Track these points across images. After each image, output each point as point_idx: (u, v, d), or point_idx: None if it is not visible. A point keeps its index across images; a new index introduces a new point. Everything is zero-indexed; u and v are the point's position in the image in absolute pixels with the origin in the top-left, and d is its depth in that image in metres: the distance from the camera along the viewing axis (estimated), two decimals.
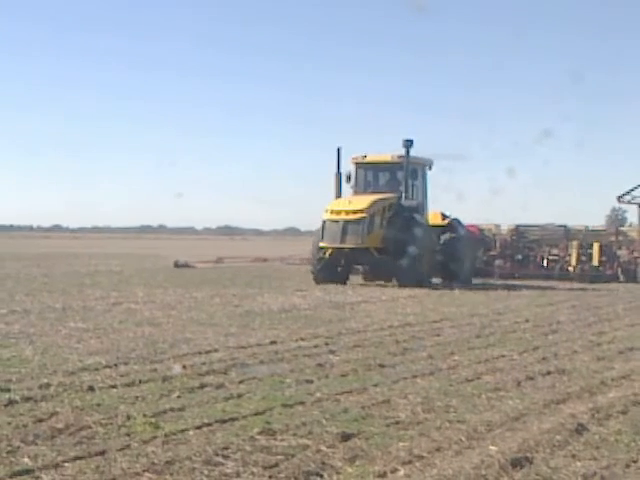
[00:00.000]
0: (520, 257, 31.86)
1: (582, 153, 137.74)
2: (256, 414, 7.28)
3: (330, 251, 24.35)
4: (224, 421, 6.99)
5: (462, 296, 21.58)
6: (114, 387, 8.28)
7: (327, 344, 11.71)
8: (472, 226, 30.23)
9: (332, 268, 24.72)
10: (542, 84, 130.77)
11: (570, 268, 30.37)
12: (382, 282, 25.27)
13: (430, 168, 26.64)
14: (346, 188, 26.20)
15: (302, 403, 7.77)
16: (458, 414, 7.52)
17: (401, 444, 6.43)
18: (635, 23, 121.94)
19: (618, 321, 16.25)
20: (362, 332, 13.25)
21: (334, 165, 26.23)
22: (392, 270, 24.36)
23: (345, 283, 24.73)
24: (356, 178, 26.16)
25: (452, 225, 26.51)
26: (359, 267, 26.45)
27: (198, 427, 6.77)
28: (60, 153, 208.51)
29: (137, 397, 7.85)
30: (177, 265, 33.73)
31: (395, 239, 23.76)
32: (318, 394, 8.18)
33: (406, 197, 25.08)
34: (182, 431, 6.63)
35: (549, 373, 9.78)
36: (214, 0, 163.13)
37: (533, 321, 15.62)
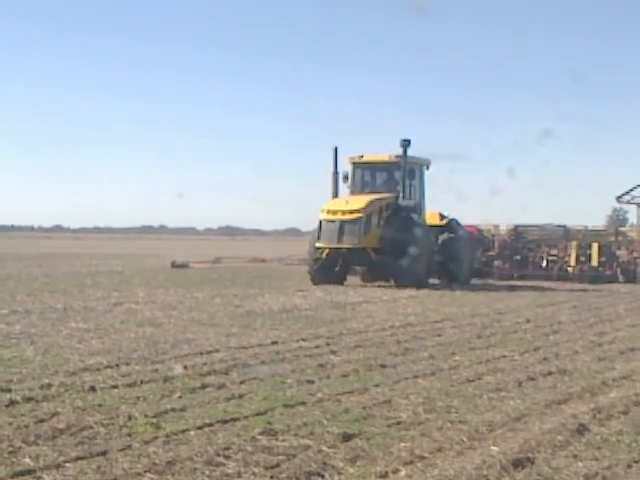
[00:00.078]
0: (519, 257, 31.74)
1: (583, 153, 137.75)
2: (257, 414, 7.28)
3: (327, 251, 24.21)
4: (225, 421, 6.99)
5: (463, 296, 21.58)
6: (115, 387, 8.28)
7: (328, 344, 11.71)
8: (471, 226, 30.10)
9: (329, 268, 24.58)
10: (542, 84, 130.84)
11: (569, 268, 30.29)
12: (380, 282, 25.18)
13: (428, 168, 26.49)
14: (343, 188, 26.11)
15: (303, 403, 7.77)
16: (459, 414, 7.52)
17: (402, 444, 6.43)
18: (635, 23, 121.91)
19: (619, 321, 16.24)
20: (363, 332, 13.25)
21: (332, 165, 26.12)
22: (389, 270, 24.25)
23: (342, 284, 24.59)
24: (353, 178, 25.99)
25: (450, 225, 26.41)
26: (357, 267, 26.33)
27: (199, 427, 6.77)
28: (61, 153, 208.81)
29: (138, 397, 7.85)
30: (174, 265, 33.71)
31: (392, 239, 23.62)
32: (319, 394, 8.18)
33: (403, 197, 24.94)
34: (183, 431, 6.63)
35: (550, 373, 9.77)
36: (214, 0, 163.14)
37: (534, 321, 15.62)
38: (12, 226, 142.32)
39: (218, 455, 6.00)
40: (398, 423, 7.13)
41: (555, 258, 31.27)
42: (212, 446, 6.21)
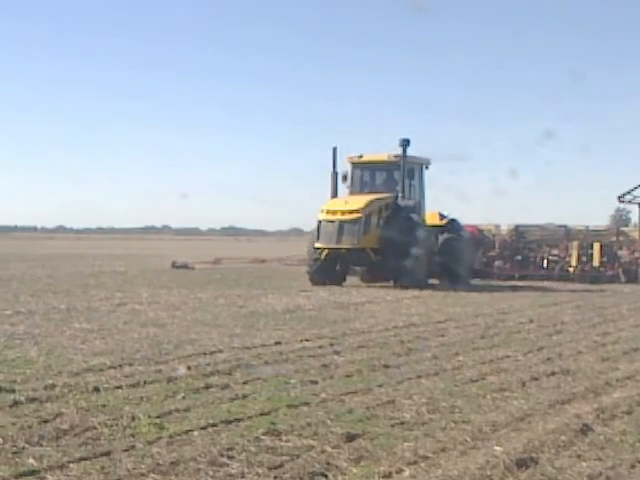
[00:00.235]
0: (520, 258, 31.52)
1: (585, 153, 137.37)
2: (261, 415, 7.29)
3: (326, 252, 24.06)
4: (229, 422, 7.00)
5: (466, 296, 21.56)
6: (119, 388, 8.29)
7: (332, 345, 11.71)
8: (471, 226, 29.98)
9: (328, 269, 24.41)
10: (543, 84, 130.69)
11: (570, 269, 30.09)
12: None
13: (427, 167, 26.31)
14: (343, 188, 25.96)
15: (307, 404, 7.77)
16: (463, 414, 7.51)
17: (406, 444, 6.43)
18: (635, 23, 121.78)
19: (623, 322, 16.22)
20: (367, 333, 13.25)
21: (331, 165, 25.94)
22: (389, 271, 24.11)
23: (341, 284, 24.45)
24: (352, 178, 25.82)
25: (450, 225, 26.21)
26: (357, 268, 26.13)
27: (203, 428, 6.77)
28: (63, 154, 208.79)
29: (142, 398, 7.85)
30: (175, 266, 33.71)
31: (392, 239, 23.43)
32: (323, 395, 8.18)
33: (403, 197, 24.78)
34: (187, 432, 6.64)
35: (554, 373, 9.77)
36: (214, 0, 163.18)
37: (537, 321, 15.60)
38: (15, 227, 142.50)
39: (222, 455, 6.01)
40: (402, 423, 7.13)
41: (556, 258, 31.10)
42: (216, 446, 6.22)
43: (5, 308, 15.58)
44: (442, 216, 26.49)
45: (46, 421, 6.88)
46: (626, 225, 43.71)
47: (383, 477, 5.67)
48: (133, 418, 7.02)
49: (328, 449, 6.25)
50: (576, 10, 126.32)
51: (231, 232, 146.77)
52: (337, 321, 14.85)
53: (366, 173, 26.39)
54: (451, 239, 25.73)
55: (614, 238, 31.64)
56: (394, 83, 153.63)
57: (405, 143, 24.60)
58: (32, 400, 7.62)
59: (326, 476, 5.65)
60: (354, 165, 26.00)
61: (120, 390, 8.21)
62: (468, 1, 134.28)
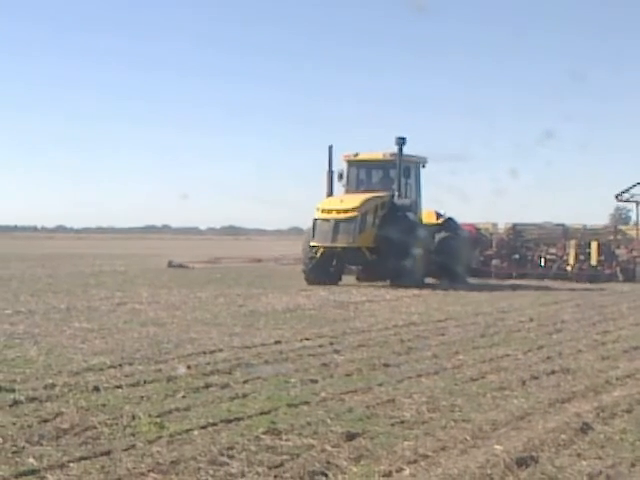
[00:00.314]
0: (517, 256, 31.41)
1: (584, 152, 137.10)
2: (261, 414, 7.29)
3: (322, 250, 23.92)
4: (229, 421, 7.00)
5: (466, 295, 21.56)
6: (119, 387, 8.29)
7: (332, 344, 11.72)
8: (468, 225, 29.91)
9: (324, 268, 24.30)
10: (543, 84, 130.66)
11: (568, 267, 29.98)
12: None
13: (424, 166, 26.16)
14: (338, 187, 25.81)
15: (307, 403, 7.77)
16: (463, 413, 7.52)
17: (406, 443, 6.43)
18: (635, 23, 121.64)
19: (622, 320, 16.22)
20: (366, 332, 13.25)
21: (327, 163, 25.79)
22: (385, 270, 23.97)
23: (337, 283, 24.35)
24: (348, 176, 25.68)
25: (447, 224, 26.06)
26: (352, 267, 26.03)
27: (203, 427, 6.77)
28: (63, 153, 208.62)
29: (142, 397, 7.85)
30: (171, 265, 33.69)
31: (388, 238, 23.24)
32: (323, 394, 8.18)
33: (399, 195, 24.67)
34: (187, 431, 6.64)
35: (554, 372, 9.77)
36: (214, 0, 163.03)
37: (537, 320, 15.61)
38: (15, 226, 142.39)
39: (222, 455, 6.01)
40: (402, 422, 7.13)
41: (554, 257, 30.95)
42: (216, 446, 6.22)
43: (5, 307, 15.58)
44: (439, 215, 26.32)
45: (46, 420, 6.88)
46: (626, 224, 43.63)
47: (383, 476, 5.67)
48: (133, 417, 7.02)
49: (328, 448, 6.25)
50: (576, 10, 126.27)
51: (231, 231, 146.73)
52: (337, 320, 14.85)
53: (362, 172, 26.18)
54: (448, 238, 25.53)
55: (612, 237, 31.57)
56: (394, 83, 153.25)
57: (401, 141, 24.41)
58: (32, 399, 7.62)
59: (326, 475, 5.65)
60: (350, 163, 25.82)
61: (120, 389, 8.21)
62: (468, 1, 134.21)
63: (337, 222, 23.65)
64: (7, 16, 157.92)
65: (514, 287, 25.05)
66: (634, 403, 8.08)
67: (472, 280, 26.95)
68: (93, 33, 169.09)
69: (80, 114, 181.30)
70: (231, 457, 5.98)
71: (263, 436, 6.54)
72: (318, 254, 24.03)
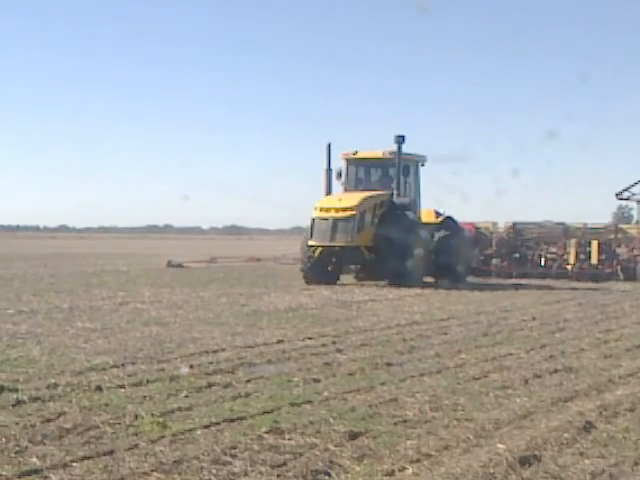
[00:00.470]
0: (517, 255, 31.25)
1: (586, 150, 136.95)
2: (264, 413, 7.29)
3: (320, 250, 23.79)
4: (232, 420, 7.00)
5: (468, 294, 21.56)
6: (122, 387, 8.30)
7: (334, 343, 11.71)
8: (468, 224, 29.83)
9: (322, 267, 24.17)
10: (545, 83, 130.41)
11: (568, 266, 29.89)
12: (376, 282, 24.80)
13: (423, 165, 25.98)
14: (337, 185, 25.67)
15: (310, 402, 7.78)
16: (466, 412, 7.51)
17: (409, 442, 6.43)
18: (638, 21, 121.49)
19: (625, 319, 16.22)
20: (369, 331, 13.25)
21: (325, 162, 25.66)
22: (383, 269, 23.79)
23: (336, 283, 24.23)
24: (346, 175, 25.50)
25: (446, 223, 25.89)
26: (351, 266, 25.81)
27: (206, 426, 6.77)
28: (65, 153, 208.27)
29: (145, 397, 7.86)
30: (170, 265, 33.69)
31: (386, 237, 23.10)
32: (326, 393, 8.18)
33: (398, 194, 24.48)
34: (190, 430, 6.64)
35: (556, 371, 9.76)
36: None
37: (540, 319, 15.60)
38: (17, 226, 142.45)
39: (225, 454, 6.01)
40: (404, 421, 7.13)
41: (554, 256, 30.81)
42: (219, 445, 6.22)
43: (7, 307, 15.60)
44: (438, 214, 26.16)
45: (49, 420, 6.89)
46: (628, 223, 43.54)
47: (386, 475, 5.67)
48: (136, 417, 7.02)
49: (331, 447, 6.25)
50: (580, 8, 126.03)
51: (233, 231, 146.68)
52: (339, 319, 14.85)
53: (361, 170, 25.98)
54: (447, 237, 25.37)
55: (612, 236, 31.47)
56: (395, 81, 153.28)
57: (400, 140, 24.22)
58: (35, 399, 7.62)
59: (329, 474, 5.65)
60: (348, 162, 25.63)
61: (123, 389, 8.21)
62: None
63: (335, 221, 23.49)
64: (8, 13, 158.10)
65: (516, 286, 25.01)
66: (637, 402, 8.08)
67: (472, 279, 26.91)
68: (95, 31, 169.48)
69: (82, 113, 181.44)
70: (234, 456, 5.98)
71: (266, 435, 6.55)
72: (316, 253, 23.91)
